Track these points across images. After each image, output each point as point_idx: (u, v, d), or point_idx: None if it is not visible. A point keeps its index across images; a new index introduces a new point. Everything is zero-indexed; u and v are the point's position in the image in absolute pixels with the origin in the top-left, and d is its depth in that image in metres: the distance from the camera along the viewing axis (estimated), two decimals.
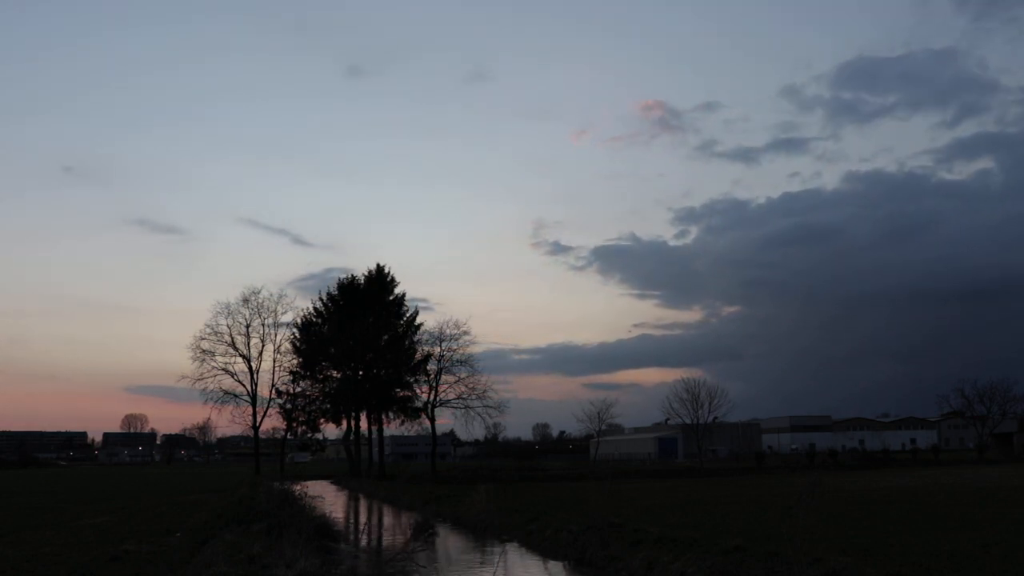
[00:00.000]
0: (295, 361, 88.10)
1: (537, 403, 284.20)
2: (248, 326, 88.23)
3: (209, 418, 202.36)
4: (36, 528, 27.69)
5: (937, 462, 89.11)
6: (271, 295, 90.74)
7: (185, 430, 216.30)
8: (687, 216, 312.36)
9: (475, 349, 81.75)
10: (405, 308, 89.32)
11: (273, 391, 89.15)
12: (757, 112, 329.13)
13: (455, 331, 79.50)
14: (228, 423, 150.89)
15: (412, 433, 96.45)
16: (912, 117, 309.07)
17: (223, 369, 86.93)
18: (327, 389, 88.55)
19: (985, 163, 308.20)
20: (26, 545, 22.48)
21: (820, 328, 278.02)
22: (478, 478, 62.09)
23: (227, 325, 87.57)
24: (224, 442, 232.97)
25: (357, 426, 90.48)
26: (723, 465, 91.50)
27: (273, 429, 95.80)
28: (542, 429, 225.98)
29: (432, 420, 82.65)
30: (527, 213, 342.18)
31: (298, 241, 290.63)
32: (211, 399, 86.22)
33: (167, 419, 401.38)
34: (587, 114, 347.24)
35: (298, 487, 45.68)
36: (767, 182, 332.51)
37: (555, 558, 23.96)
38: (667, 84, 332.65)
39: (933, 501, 32.83)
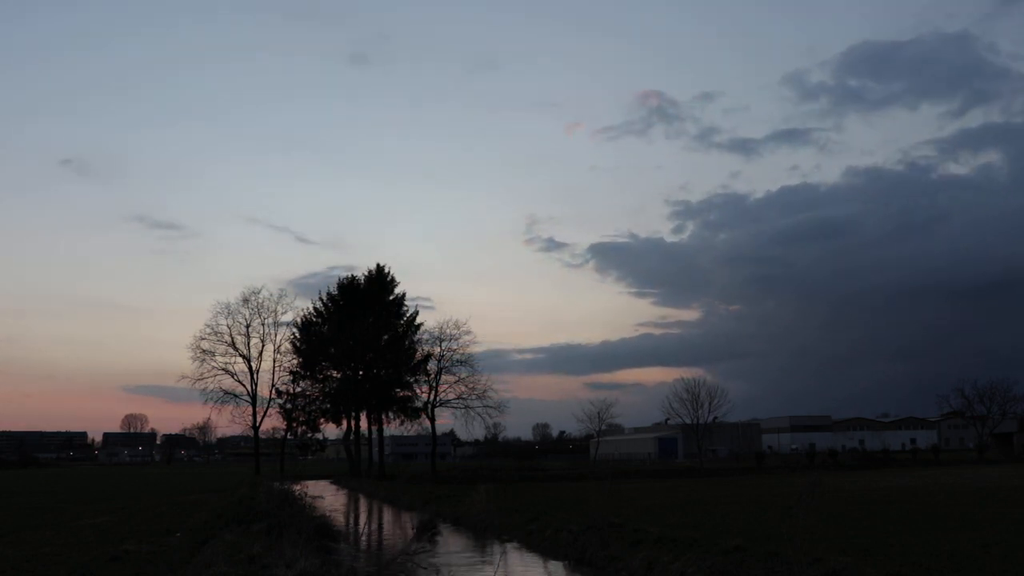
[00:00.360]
0: (295, 361, 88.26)
1: (537, 403, 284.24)
2: (248, 326, 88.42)
3: (209, 418, 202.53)
4: (36, 528, 27.69)
5: (937, 462, 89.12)
6: (271, 295, 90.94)
7: (185, 430, 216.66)
8: (684, 212, 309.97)
9: (475, 349, 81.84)
10: (405, 308, 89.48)
11: (273, 391, 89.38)
12: (757, 101, 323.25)
13: (455, 331, 79.64)
14: (228, 423, 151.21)
15: (412, 433, 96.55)
16: (920, 105, 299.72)
17: (223, 369, 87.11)
18: (327, 389, 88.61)
19: (991, 155, 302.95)
20: (26, 545, 22.48)
21: (820, 327, 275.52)
22: (478, 478, 62.09)
23: (227, 325, 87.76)
24: (224, 442, 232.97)
25: (357, 426, 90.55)
26: (723, 465, 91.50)
27: (273, 429, 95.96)
28: (542, 429, 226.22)
29: (432, 420, 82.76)
30: (522, 209, 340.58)
31: (300, 239, 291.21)
32: (211, 399, 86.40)
33: (167, 419, 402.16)
34: (581, 106, 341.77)
35: (298, 487, 45.72)
36: (767, 175, 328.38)
37: (555, 558, 23.96)
38: (664, 72, 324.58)
39: (933, 501, 32.83)
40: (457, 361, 79.56)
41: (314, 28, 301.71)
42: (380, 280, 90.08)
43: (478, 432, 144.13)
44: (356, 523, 41.52)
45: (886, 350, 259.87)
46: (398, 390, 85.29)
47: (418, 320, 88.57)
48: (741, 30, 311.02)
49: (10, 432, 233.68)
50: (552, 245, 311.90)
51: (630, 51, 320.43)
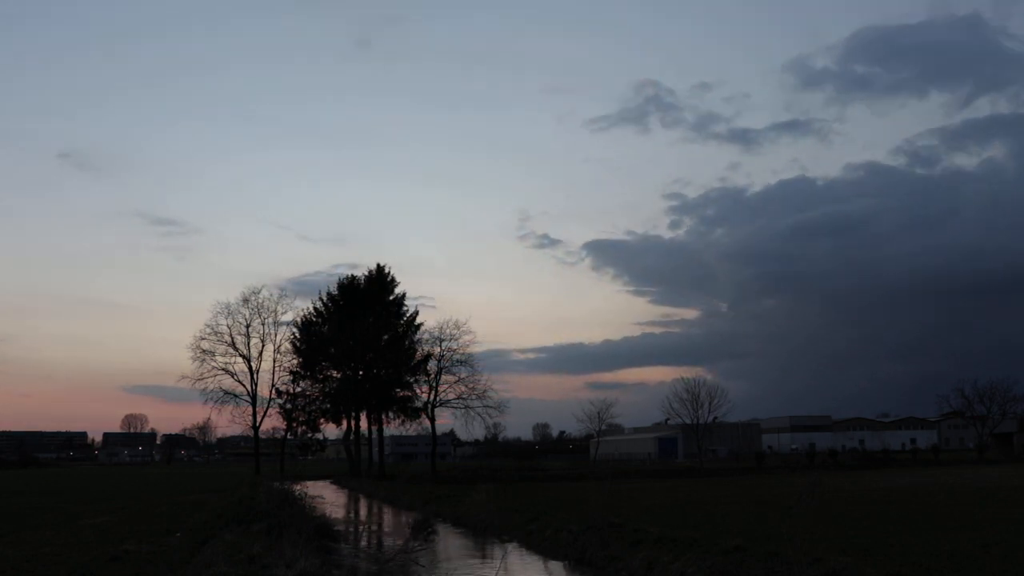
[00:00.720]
0: (295, 361, 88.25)
1: (537, 403, 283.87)
2: (248, 326, 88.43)
3: (209, 418, 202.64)
4: (36, 528, 27.68)
5: (937, 462, 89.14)
6: (271, 295, 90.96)
7: (185, 430, 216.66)
8: (681, 207, 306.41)
9: (475, 349, 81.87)
10: (405, 308, 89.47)
11: (273, 391, 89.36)
12: (758, 90, 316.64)
13: (455, 331, 79.68)
14: (228, 423, 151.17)
15: (412, 433, 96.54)
16: (928, 93, 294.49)
17: (223, 369, 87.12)
18: (327, 389, 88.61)
19: (997, 147, 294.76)
20: (26, 545, 22.47)
21: (820, 325, 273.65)
22: (478, 478, 62.10)
23: (227, 325, 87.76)
24: (224, 442, 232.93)
25: (357, 426, 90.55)
26: (723, 465, 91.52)
27: (273, 429, 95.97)
28: (542, 429, 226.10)
29: (432, 420, 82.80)
30: (519, 206, 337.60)
31: (301, 237, 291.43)
32: (211, 399, 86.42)
33: (167, 419, 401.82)
34: (576, 97, 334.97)
35: (298, 487, 45.73)
36: (766, 167, 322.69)
37: (555, 558, 23.96)
38: (660, 58, 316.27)
39: (933, 501, 32.83)
40: (457, 361, 79.67)
41: (317, 22, 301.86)
42: (380, 280, 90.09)
43: (478, 432, 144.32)
44: (356, 523, 41.53)
45: (886, 349, 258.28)
46: (398, 390, 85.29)
47: (419, 319, 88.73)
48: (742, 13, 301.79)
49: (10, 432, 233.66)
50: (548, 242, 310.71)
51: (626, 38, 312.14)
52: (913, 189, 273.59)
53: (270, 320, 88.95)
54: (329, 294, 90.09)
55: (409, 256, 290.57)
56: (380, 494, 59.35)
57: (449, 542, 29.53)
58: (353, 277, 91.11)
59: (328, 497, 54.97)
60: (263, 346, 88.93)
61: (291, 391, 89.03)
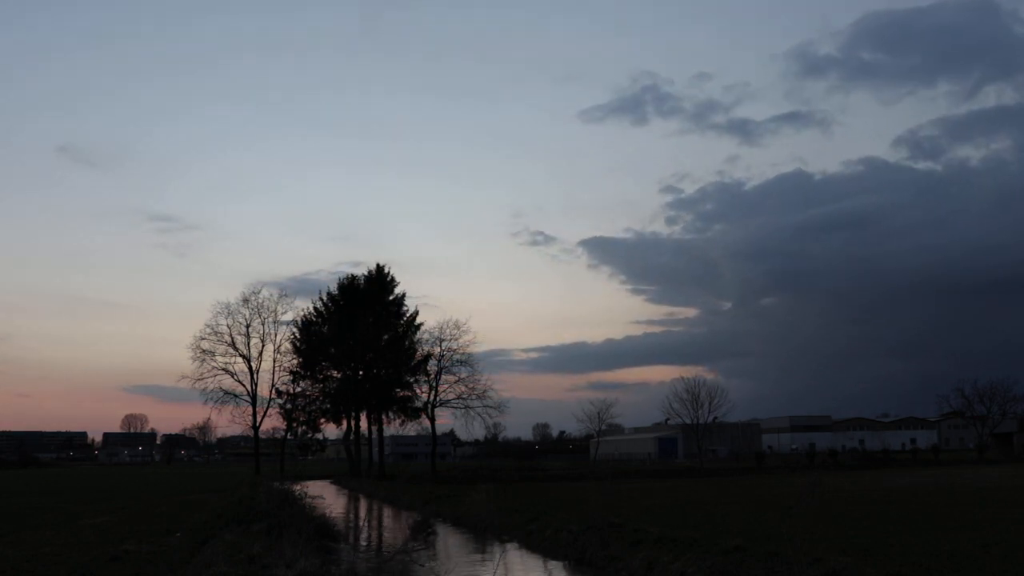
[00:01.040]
0: (295, 361, 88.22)
1: (537, 403, 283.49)
2: (248, 326, 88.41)
3: (209, 418, 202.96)
4: (36, 528, 27.68)
5: (937, 462, 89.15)
6: (271, 295, 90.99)
7: (185, 430, 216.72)
8: (678, 203, 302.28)
9: (475, 349, 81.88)
10: (405, 308, 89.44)
11: (273, 391, 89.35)
12: (759, 78, 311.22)
13: (455, 331, 79.70)
14: (228, 423, 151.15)
15: (412, 433, 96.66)
16: (935, 81, 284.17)
17: (223, 369, 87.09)
18: (327, 389, 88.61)
19: (1003, 140, 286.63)
20: (26, 545, 22.46)
21: (820, 324, 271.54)
22: (478, 478, 62.10)
23: (227, 325, 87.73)
24: (224, 442, 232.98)
25: (357, 426, 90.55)
26: (723, 465, 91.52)
27: (273, 429, 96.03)
28: (542, 429, 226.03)
29: (432, 420, 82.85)
30: (516, 203, 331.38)
31: (302, 233, 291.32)
32: (211, 399, 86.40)
33: (167, 419, 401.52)
34: (569, 87, 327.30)
35: (298, 487, 45.71)
36: (766, 160, 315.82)
37: (555, 558, 23.96)
38: (657, 45, 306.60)
39: (933, 501, 32.83)
40: (457, 361, 79.72)
41: (316, 16, 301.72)
42: (380, 280, 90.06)
43: (478, 432, 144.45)
44: (356, 523, 41.53)
45: (886, 349, 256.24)
46: (398, 390, 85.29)
47: (419, 319, 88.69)
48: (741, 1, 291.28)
49: (10, 432, 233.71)
50: (543, 239, 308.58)
51: (620, 26, 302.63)
52: (916, 184, 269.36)
53: (270, 320, 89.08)
54: (329, 294, 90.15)
55: (407, 254, 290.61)
56: (380, 494, 59.35)
57: (449, 542, 29.53)
58: (353, 277, 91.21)
59: (328, 497, 54.94)
60: (263, 346, 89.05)
61: (291, 391, 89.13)
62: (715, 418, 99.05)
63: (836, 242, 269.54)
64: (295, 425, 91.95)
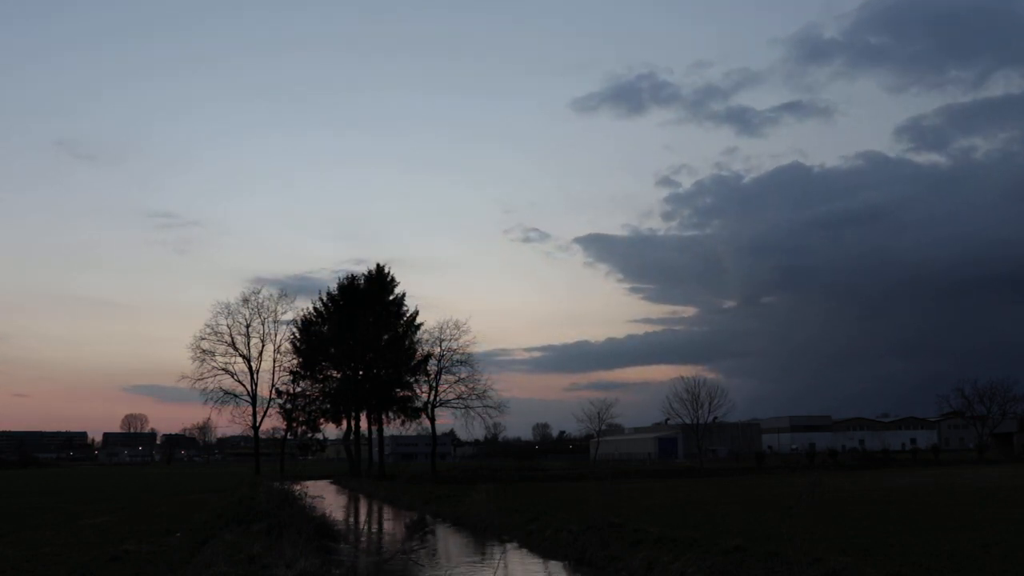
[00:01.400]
0: (295, 361, 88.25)
1: (537, 403, 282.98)
2: (248, 326, 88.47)
3: (209, 418, 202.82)
4: (36, 528, 27.67)
5: (937, 462, 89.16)
6: (271, 295, 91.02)
7: (185, 430, 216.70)
8: (675, 197, 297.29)
9: (475, 349, 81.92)
10: (405, 308, 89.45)
11: (273, 391, 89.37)
12: (759, 64, 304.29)
13: (455, 331, 79.72)
14: (228, 423, 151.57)
15: (412, 433, 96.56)
16: (945, 68, 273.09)
17: (223, 369, 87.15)
18: (327, 389, 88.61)
19: (1011, 130, 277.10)
20: (26, 545, 22.46)
21: (820, 324, 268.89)
22: (478, 478, 62.11)
23: (227, 325, 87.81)
24: (224, 442, 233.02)
25: (357, 426, 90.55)
26: (723, 465, 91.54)
27: (273, 429, 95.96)
28: (542, 429, 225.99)
29: (432, 420, 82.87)
30: (512, 200, 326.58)
31: (304, 231, 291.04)
32: (211, 399, 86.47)
33: (167, 419, 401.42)
34: (566, 79, 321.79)
35: (298, 487, 45.71)
36: (765, 151, 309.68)
37: (555, 558, 23.96)
38: (656, 30, 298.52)
39: (933, 501, 32.83)
40: (457, 361, 79.76)
41: (314, 14, 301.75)
42: (380, 280, 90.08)
43: (478, 432, 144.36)
44: (356, 523, 41.53)
45: (887, 348, 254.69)
46: (398, 390, 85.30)
47: (419, 319, 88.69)
48: None
49: (10, 432, 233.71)
50: (539, 236, 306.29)
51: (614, 13, 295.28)
52: (920, 177, 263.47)
53: (270, 320, 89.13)
54: (329, 294, 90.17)
55: (407, 252, 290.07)
56: (380, 494, 59.35)
57: (449, 542, 29.54)
58: (353, 277, 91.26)
59: (328, 497, 54.95)
60: (263, 346, 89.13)
61: (291, 391, 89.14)
62: (715, 418, 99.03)
63: (836, 239, 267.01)
64: (295, 425, 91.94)
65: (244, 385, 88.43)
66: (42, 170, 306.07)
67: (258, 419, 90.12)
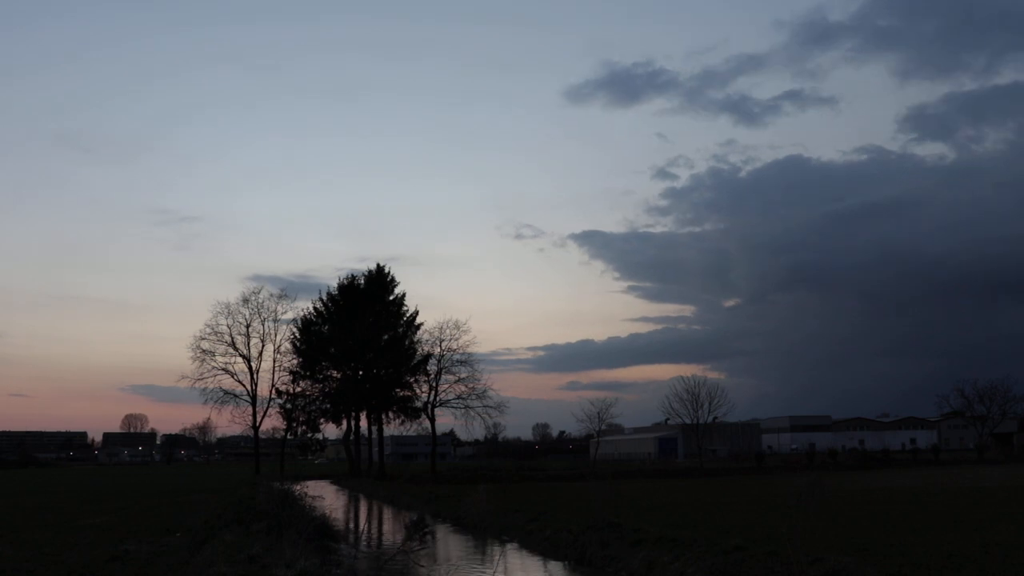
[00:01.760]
0: (295, 361, 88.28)
1: (537, 403, 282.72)
2: (248, 326, 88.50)
3: (209, 418, 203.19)
4: (36, 528, 27.68)
5: (937, 462, 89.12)
6: (271, 295, 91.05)
7: (185, 430, 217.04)
8: (673, 191, 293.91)
9: (475, 349, 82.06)
10: (405, 308, 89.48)
11: (273, 391, 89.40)
12: (761, 48, 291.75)
13: (455, 331, 79.78)
14: (228, 423, 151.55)
15: (412, 433, 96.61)
16: (956, 53, 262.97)
17: (223, 369, 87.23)
18: (327, 389, 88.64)
19: (1019, 120, 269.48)
20: (26, 545, 22.46)
21: (821, 323, 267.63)
22: (478, 478, 62.14)
23: (227, 325, 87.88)
24: (224, 442, 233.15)
25: (357, 426, 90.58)
26: (723, 465, 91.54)
27: (273, 429, 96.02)
28: (542, 429, 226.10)
29: (432, 420, 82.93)
30: (510, 198, 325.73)
31: (305, 232, 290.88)
32: (211, 399, 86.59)
33: (167, 419, 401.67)
34: (560, 69, 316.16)
35: (298, 487, 45.70)
36: (765, 142, 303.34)
37: (555, 558, 23.95)
38: (655, 14, 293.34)
39: (933, 501, 32.83)
40: (457, 361, 79.83)
41: (316, 16, 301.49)
42: (380, 280, 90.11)
43: (478, 432, 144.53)
44: (356, 523, 41.52)
45: (887, 348, 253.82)
46: (398, 390, 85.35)
47: (419, 319, 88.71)
48: None
49: (10, 432, 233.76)
50: (534, 233, 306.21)
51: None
52: (925, 171, 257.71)
53: (270, 320, 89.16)
54: (329, 294, 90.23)
55: (404, 250, 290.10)
56: (380, 494, 59.34)
57: (449, 542, 29.53)
58: (353, 277, 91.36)
59: (328, 497, 54.94)
60: (263, 346, 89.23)
61: (291, 391, 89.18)
62: (715, 418, 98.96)
63: (836, 235, 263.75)
64: (295, 425, 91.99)
65: (244, 385, 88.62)
66: (44, 169, 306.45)
67: (258, 419, 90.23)
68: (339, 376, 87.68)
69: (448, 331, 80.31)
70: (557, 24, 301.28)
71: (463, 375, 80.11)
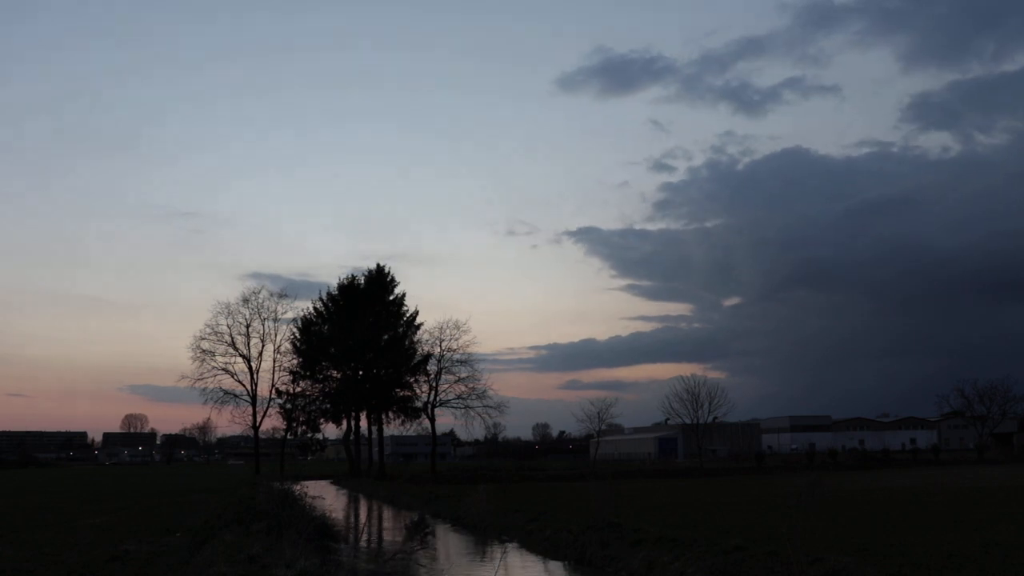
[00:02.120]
0: (295, 361, 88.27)
1: (537, 403, 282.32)
2: (248, 326, 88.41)
3: (209, 418, 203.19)
4: (36, 528, 27.67)
5: (937, 462, 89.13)
6: (271, 295, 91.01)
7: (185, 430, 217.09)
8: (669, 187, 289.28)
9: (475, 349, 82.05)
10: (405, 308, 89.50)
11: (273, 391, 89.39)
12: (762, 31, 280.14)
13: (455, 331, 79.81)
14: (228, 423, 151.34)
15: (412, 433, 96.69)
16: (966, 38, 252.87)
17: (223, 369, 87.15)
18: (327, 389, 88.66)
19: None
20: (26, 545, 22.45)
21: (822, 323, 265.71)
22: (478, 478, 62.15)
23: (227, 325, 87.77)
24: (224, 442, 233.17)
25: (357, 426, 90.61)
26: (723, 465, 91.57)
27: (273, 429, 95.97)
28: (542, 429, 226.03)
29: (432, 420, 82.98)
30: (508, 197, 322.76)
31: (305, 231, 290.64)
32: (211, 399, 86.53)
33: (167, 419, 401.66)
34: (548, 58, 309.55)
35: (298, 487, 45.69)
36: (765, 132, 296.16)
37: (555, 558, 23.95)
38: (644, 10, 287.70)
39: (933, 501, 32.83)
40: (457, 361, 79.86)
41: (314, 13, 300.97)
42: (380, 280, 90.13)
43: (478, 432, 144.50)
44: (356, 523, 41.52)
45: (887, 348, 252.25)
46: (398, 390, 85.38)
47: (419, 318, 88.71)
48: None
49: (10, 432, 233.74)
50: (531, 231, 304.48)
51: None
52: (926, 166, 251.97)
53: (270, 320, 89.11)
54: (329, 294, 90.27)
55: (403, 246, 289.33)
56: (380, 494, 59.35)
57: (449, 542, 29.53)
58: (353, 277, 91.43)
59: (328, 497, 54.93)
60: (263, 346, 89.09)
61: (291, 391, 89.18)
62: (715, 418, 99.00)
63: (837, 233, 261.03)
64: (295, 425, 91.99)
65: (244, 385, 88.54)
66: (41, 165, 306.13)
67: (258, 419, 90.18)
68: (339, 376, 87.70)
69: (448, 331, 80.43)
70: (548, 9, 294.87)
71: (463, 375, 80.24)
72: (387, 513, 46.39)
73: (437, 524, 33.91)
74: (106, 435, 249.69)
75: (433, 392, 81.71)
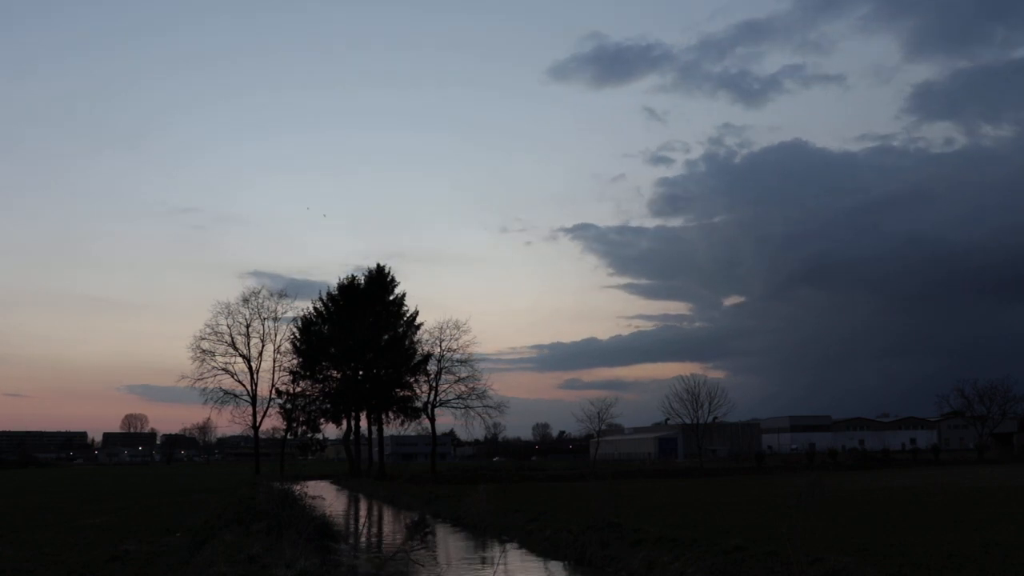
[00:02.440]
0: (295, 361, 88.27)
1: (537, 403, 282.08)
2: (248, 326, 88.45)
3: (209, 418, 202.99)
4: (36, 528, 27.67)
5: (937, 462, 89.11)
6: (271, 295, 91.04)
7: (185, 430, 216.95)
8: (666, 182, 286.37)
9: (475, 348, 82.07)
10: (405, 308, 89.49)
11: (273, 391, 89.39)
12: (762, 15, 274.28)
13: (455, 331, 79.82)
14: (228, 423, 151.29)
15: (412, 433, 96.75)
16: (974, 25, 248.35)
17: (223, 369, 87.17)
18: (327, 389, 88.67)
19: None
20: (26, 545, 22.45)
21: (823, 322, 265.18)
22: (478, 478, 62.14)
23: (227, 325, 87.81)
24: (224, 442, 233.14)
25: (357, 426, 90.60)
26: (723, 465, 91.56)
27: (273, 429, 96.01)
28: (542, 429, 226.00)
29: (432, 420, 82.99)
30: (507, 197, 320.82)
31: (306, 230, 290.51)
32: (211, 399, 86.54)
33: (167, 419, 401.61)
34: (542, 50, 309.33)
35: (298, 487, 45.69)
36: (765, 123, 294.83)
37: (555, 558, 23.95)
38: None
39: (933, 501, 32.83)
40: (457, 361, 79.86)
41: (315, 13, 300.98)
42: (380, 280, 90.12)
43: (478, 432, 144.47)
44: (356, 523, 41.52)
45: (887, 348, 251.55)
46: (398, 390, 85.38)
47: (419, 318, 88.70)
48: None
49: (10, 432, 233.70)
50: (526, 227, 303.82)
51: None
52: (930, 159, 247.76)
53: (270, 320, 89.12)
54: (329, 294, 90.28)
55: (403, 246, 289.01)
56: (380, 494, 59.35)
57: (449, 542, 29.53)
58: (353, 277, 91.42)
59: (328, 497, 54.88)
60: (263, 346, 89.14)
61: (291, 391, 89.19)
62: (715, 418, 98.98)
63: (837, 231, 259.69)
64: (295, 425, 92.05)
65: (244, 385, 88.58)
66: (42, 164, 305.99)
67: (258, 419, 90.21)
68: (339, 376, 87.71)
69: (448, 331, 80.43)
70: None
71: (463, 375, 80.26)
72: (387, 513, 46.40)
73: (437, 524, 33.92)
74: (106, 435, 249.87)
75: (433, 392, 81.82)
